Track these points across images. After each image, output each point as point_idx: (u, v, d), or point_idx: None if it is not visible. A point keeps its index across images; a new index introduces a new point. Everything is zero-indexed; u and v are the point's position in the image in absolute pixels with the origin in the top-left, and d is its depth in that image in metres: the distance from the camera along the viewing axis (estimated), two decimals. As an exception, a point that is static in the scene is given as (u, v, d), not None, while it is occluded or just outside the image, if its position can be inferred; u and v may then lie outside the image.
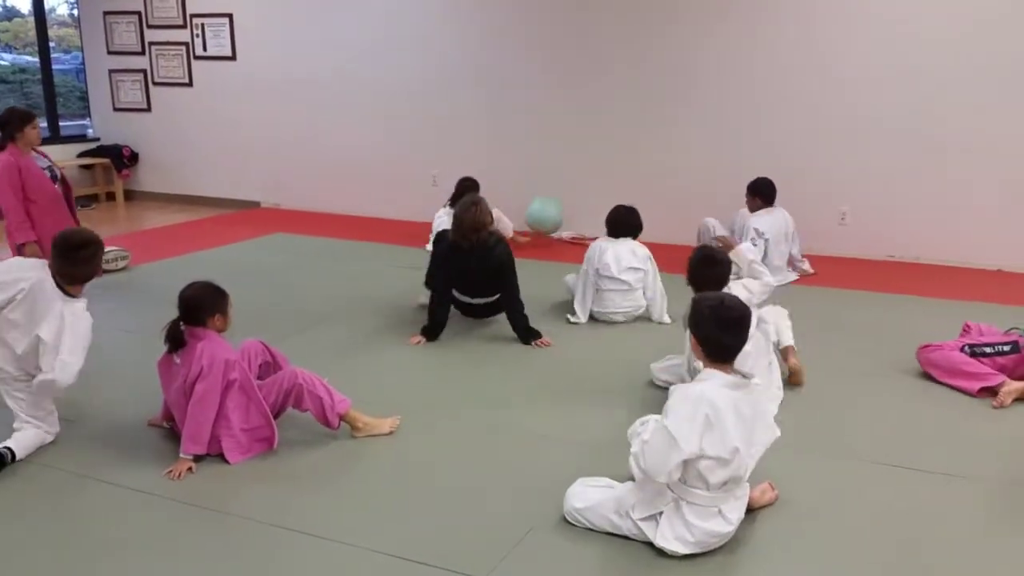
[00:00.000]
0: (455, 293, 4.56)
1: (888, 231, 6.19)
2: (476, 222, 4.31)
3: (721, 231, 5.77)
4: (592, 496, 2.64)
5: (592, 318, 4.78)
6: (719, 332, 2.49)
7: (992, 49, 5.73)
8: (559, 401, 3.70)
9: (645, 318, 4.76)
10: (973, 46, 5.78)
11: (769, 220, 5.57)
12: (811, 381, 3.80)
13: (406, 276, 5.56)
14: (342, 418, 3.26)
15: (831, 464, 3.06)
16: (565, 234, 6.86)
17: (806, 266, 5.79)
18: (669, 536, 2.47)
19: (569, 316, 4.79)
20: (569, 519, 2.66)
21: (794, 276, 5.68)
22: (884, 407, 3.61)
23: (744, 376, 2.58)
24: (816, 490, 2.87)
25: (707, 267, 3.45)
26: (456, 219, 4.41)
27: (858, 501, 2.81)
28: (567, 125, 7.08)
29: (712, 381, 2.47)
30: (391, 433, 3.33)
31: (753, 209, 5.65)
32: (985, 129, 5.82)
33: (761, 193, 5.66)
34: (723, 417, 2.39)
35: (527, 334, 4.44)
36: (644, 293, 4.74)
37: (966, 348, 3.81)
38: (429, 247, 4.92)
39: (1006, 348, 3.75)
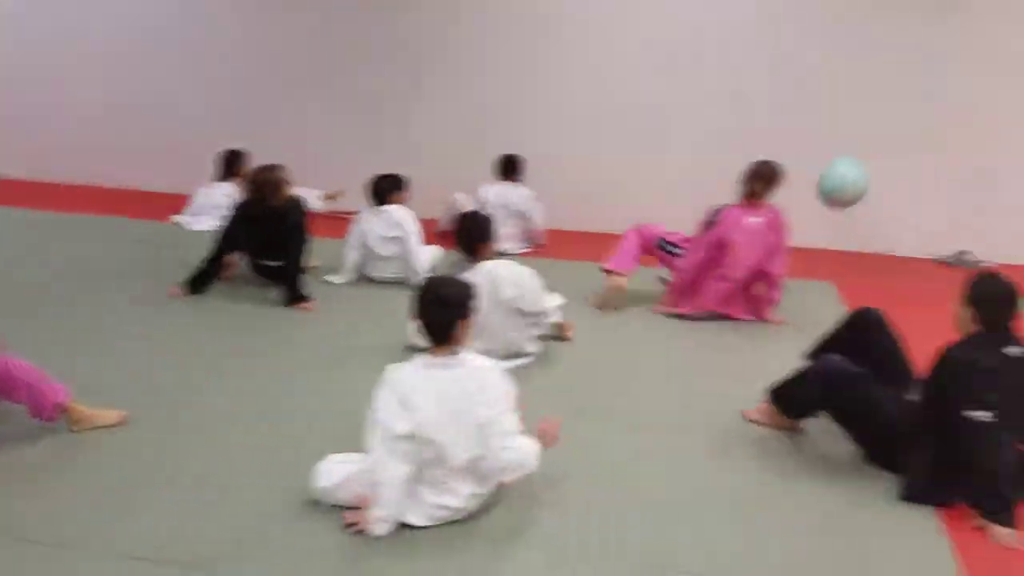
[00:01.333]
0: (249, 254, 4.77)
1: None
2: (270, 182, 4.51)
3: (471, 206, 5.92)
4: (339, 472, 2.59)
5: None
6: (424, 314, 2.55)
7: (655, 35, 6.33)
8: (317, 370, 3.66)
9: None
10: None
11: (498, 191, 5.87)
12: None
13: (141, 250, 5.28)
14: (60, 409, 2.96)
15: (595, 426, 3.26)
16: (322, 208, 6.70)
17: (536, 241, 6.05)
18: (404, 510, 2.50)
19: (328, 276, 4.98)
20: (317, 498, 2.60)
21: (524, 247, 5.94)
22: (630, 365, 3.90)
23: (457, 354, 2.57)
24: (584, 454, 3.02)
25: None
26: (253, 180, 4.58)
27: (598, 459, 3.02)
28: (324, 99, 6.93)
29: (411, 363, 2.56)
30: (119, 424, 3.07)
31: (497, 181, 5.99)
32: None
33: (502, 168, 5.99)
34: (414, 397, 2.46)
35: (291, 296, 4.49)
36: (408, 258, 4.92)
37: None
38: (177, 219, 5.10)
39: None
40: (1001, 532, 2.59)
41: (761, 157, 4.62)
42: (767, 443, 3.20)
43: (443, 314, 2.54)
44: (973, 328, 2.86)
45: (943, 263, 5.98)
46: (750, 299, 4.67)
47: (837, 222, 6.12)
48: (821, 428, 3.24)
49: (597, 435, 3.18)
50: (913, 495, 2.79)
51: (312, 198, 5.89)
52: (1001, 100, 5.87)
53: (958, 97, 5.91)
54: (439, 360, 2.54)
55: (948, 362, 2.80)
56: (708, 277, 4.60)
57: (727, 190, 4.63)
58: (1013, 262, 5.76)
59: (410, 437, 2.45)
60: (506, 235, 5.77)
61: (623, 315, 4.64)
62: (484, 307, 3.55)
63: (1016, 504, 2.68)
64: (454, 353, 2.56)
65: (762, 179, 4.53)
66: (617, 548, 2.49)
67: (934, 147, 5.96)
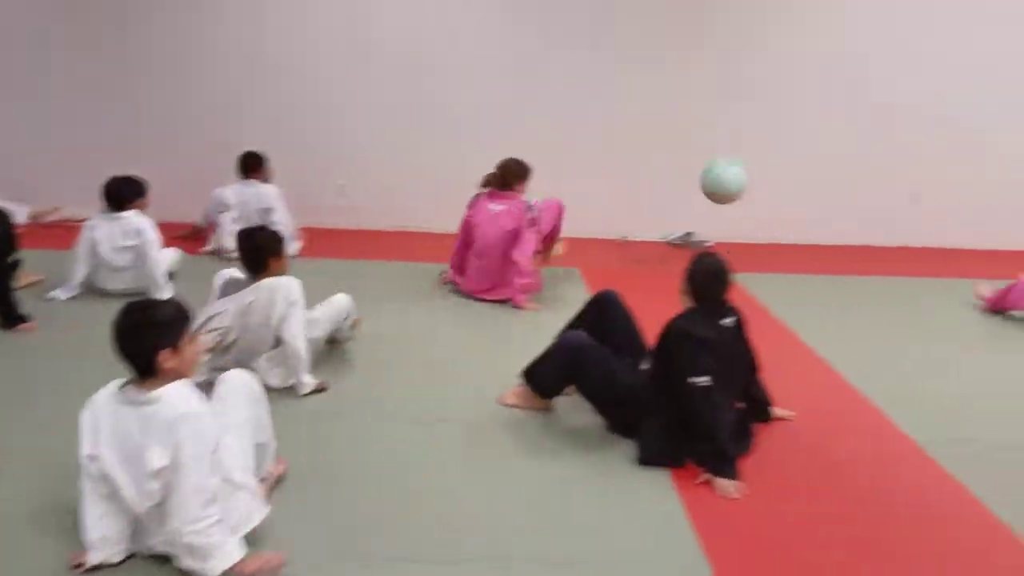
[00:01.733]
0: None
1: (384, 203, 6.64)
2: None
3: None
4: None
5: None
6: (118, 344, 2.28)
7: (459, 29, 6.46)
8: (26, 398, 3.27)
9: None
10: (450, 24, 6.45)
11: (237, 191, 5.66)
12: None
13: None
14: None
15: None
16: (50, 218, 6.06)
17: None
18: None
19: (51, 292, 4.55)
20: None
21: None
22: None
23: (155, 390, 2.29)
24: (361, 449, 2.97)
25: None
26: None
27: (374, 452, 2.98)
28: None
29: (108, 389, 2.33)
30: None
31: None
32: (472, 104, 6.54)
33: (242, 166, 5.74)
34: (101, 429, 2.28)
35: (5, 317, 4.09)
36: (146, 268, 4.56)
37: None
38: None
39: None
40: (724, 484, 2.86)
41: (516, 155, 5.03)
42: (521, 424, 3.33)
43: (139, 344, 2.25)
44: (692, 303, 3.16)
45: (674, 244, 6.53)
46: (506, 284, 4.89)
47: (578, 213, 6.52)
48: (571, 405, 3.43)
49: (364, 429, 3.16)
50: (648, 458, 3.02)
51: (20, 214, 5.26)
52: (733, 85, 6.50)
53: (693, 92, 6.47)
54: (131, 395, 2.27)
55: (671, 334, 3.07)
56: (466, 257, 5.06)
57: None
58: (732, 240, 6.45)
59: (93, 465, 2.28)
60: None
61: (403, 303, 4.72)
62: (253, 326, 3.45)
63: (737, 458, 2.98)
64: (150, 389, 2.25)
65: (507, 172, 4.97)
66: (365, 543, 2.49)
67: (664, 142, 6.48)
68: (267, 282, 3.50)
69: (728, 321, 3.15)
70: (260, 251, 3.56)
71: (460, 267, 5.11)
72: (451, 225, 5.13)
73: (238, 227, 5.27)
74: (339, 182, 6.61)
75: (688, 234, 6.56)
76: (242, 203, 5.62)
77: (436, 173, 6.56)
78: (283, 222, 5.53)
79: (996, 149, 6.48)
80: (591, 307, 3.59)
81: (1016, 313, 4.88)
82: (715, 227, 6.50)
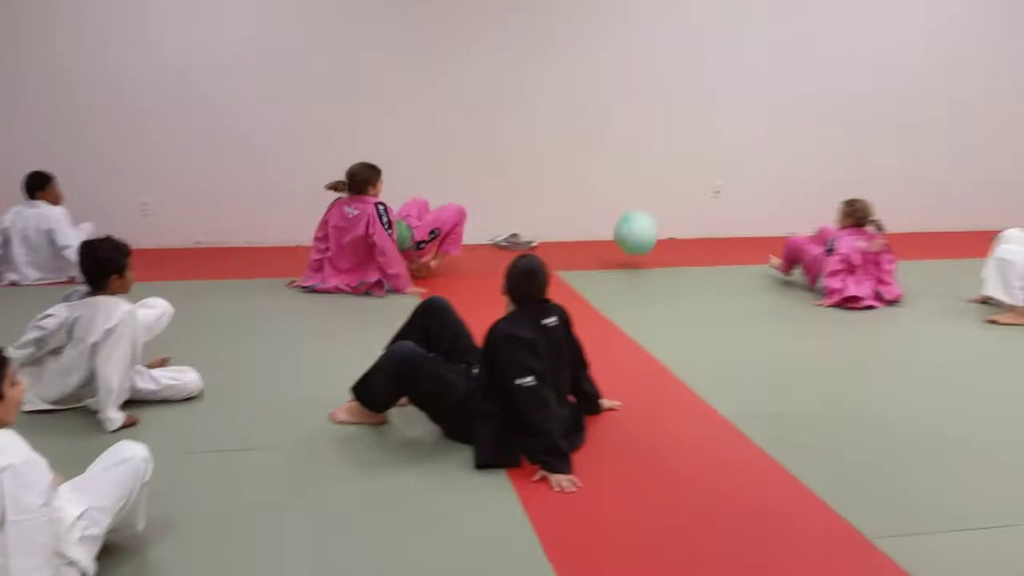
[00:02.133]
0: None
1: (193, 218, 6.31)
2: None
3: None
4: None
5: None
6: None
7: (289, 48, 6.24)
8: None
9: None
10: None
11: (16, 213, 5.28)
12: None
13: None
14: None
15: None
16: None
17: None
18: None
19: None
20: None
21: (55, 277, 5.26)
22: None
23: None
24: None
25: None
26: None
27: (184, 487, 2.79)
28: None
29: None
30: None
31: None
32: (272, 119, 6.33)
33: (26, 186, 5.34)
34: None
35: None
36: None
37: None
38: None
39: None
40: (559, 479, 2.92)
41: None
42: (353, 440, 3.26)
43: None
44: (513, 304, 3.21)
45: (501, 247, 6.63)
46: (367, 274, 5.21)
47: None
48: (406, 415, 3.39)
49: (184, 463, 2.96)
50: (483, 462, 3.03)
51: None
52: (528, 93, 6.65)
53: (495, 93, 6.57)
54: None
55: (493, 338, 3.10)
56: (326, 256, 5.31)
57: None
58: (556, 239, 6.64)
59: None
60: (30, 262, 5.26)
61: (225, 323, 4.45)
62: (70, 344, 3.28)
63: (571, 452, 3.05)
64: None
65: (354, 178, 5.25)
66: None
67: (485, 144, 6.57)
68: (95, 300, 3.31)
69: (551, 320, 3.21)
70: (100, 266, 3.33)
71: (319, 266, 5.31)
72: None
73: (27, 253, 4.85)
74: (142, 200, 6.22)
75: (514, 235, 6.68)
76: (21, 227, 5.20)
77: (241, 186, 6.33)
78: (68, 245, 5.11)
79: (797, 143, 7.04)
80: (420, 315, 3.56)
81: (802, 282, 5.41)
82: (539, 227, 6.67)
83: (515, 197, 6.67)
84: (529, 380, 2.99)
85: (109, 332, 3.25)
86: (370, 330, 3.97)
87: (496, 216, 6.64)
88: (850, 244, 5.18)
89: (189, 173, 6.26)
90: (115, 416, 3.27)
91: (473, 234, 6.53)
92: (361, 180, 5.18)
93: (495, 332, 3.10)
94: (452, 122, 6.50)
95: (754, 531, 2.69)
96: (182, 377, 3.58)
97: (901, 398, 3.77)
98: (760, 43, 6.78)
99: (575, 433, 3.23)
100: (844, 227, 5.30)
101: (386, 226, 5.13)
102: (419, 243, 5.56)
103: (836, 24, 6.86)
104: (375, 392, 3.31)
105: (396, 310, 4.25)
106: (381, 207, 5.15)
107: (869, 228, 5.25)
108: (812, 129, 6.99)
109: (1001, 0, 7.08)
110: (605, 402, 3.53)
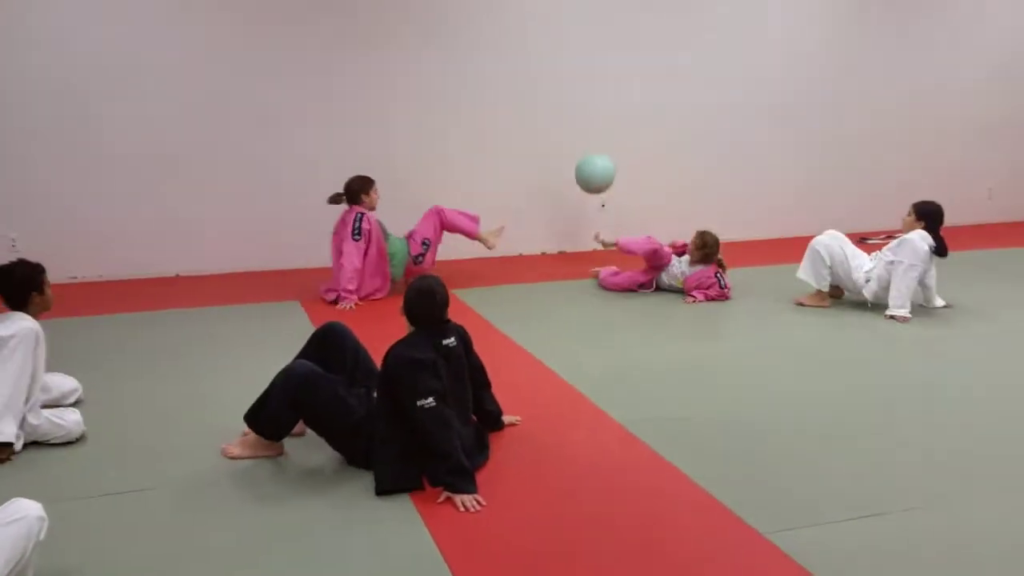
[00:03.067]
0: None
1: (64, 253, 5.98)
2: None
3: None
4: None
5: None
6: None
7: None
8: None
9: None
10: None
11: None
12: None
13: None
14: None
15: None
16: None
17: None
18: None
19: None
20: None
21: None
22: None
23: None
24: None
25: None
26: None
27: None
28: None
29: None
30: None
31: None
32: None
33: None
34: None
35: None
36: None
37: None
38: None
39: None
40: (464, 499, 2.91)
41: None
42: (250, 474, 3.16)
43: None
44: (413, 326, 3.20)
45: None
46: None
47: (295, 242, 6.37)
48: (303, 444, 3.31)
49: (84, 509, 2.78)
50: (385, 487, 2.99)
51: None
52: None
53: (365, 108, 6.54)
54: None
55: (391, 361, 3.07)
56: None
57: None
58: (454, 258, 6.63)
59: None
60: None
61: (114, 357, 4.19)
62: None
63: (475, 471, 3.04)
64: None
65: (348, 189, 5.57)
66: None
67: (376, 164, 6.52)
68: (7, 313, 3.31)
69: (450, 341, 3.20)
70: (20, 286, 3.37)
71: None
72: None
73: None
74: (10, 235, 5.87)
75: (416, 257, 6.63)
76: None
77: (117, 217, 6.10)
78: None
79: (684, 155, 7.28)
80: (316, 341, 3.48)
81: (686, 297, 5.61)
82: (442, 247, 6.67)
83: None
84: (430, 401, 2.96)
85: (4, 340, 3.20)
86: (265, 358, 3.87)
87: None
88: (696, 279, 5.67)
89: (59, 205, 5.96)
90: (5, 429, 3.17)
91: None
92: (352, 191, 5.55)
93: (393, 355, 3.07)
94: (348, 136, 6.43)
95: (652, 532, 2.76)
96: (66, 417, 3.40)
97: (769, 394, 3.96)
98: (649, 58, 7.00)
99: (479, 453, 3.23)
100: (693, 261, 5.70)
101: (354, 234, 5.43)
102: (415, 257, 5.74)
103: (722, 40, 7.17)
104: (270, 418, 3.21)
105: (293, 334, 4.18)
106: (358, 215, 5.46)
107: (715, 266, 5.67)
108: (701, 142, 7.27)
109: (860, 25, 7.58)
110: (507, 418, 3.55)
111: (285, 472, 3.19)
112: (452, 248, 6.67)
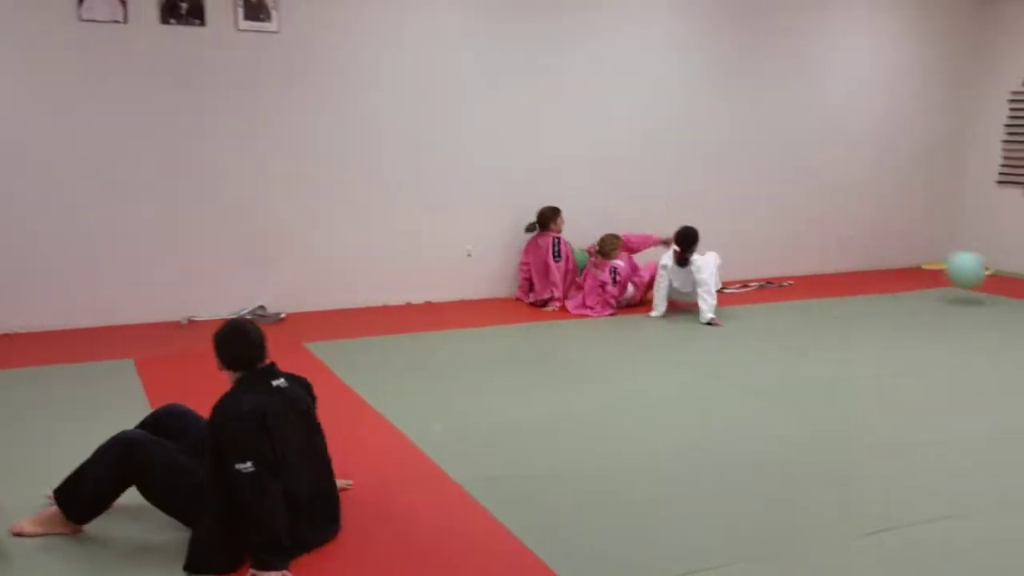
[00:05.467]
0: None
1: None
2: None
3: None
4: None
5: None
6: None
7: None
8: None
9: None
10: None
11: None
12: None
13: None
14: None
15: None
16: None
17: None
18: None
19: None
20: None
21: None
22: None
23: None
24: None
25: None
26: None
27: None
28: None
29: None
30: None
31: None
32: None
33: None
34: None
35: None
36: None
37: None
38: None
39: None
40: (272, 577, 2.70)
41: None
42: (45, 554, 2.86)
43: None
44: (235, 374, 2.98)
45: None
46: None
47: (129, 296, 6.01)
48: (104, 518, 3.04)
49: None
50: (194, 564, 2.76)
51: None
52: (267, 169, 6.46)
53: (232, 159, 6.31)
54: None
55: (214, 419, 2.84)
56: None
57: None
58: (303, 310, 6.43)
59: None
60: None
61: None
62: None
63: (320, 544, 2.87)
64: None
65: (542, 216, 7.02)
66: None
67: (224, 214, 6.27)
68: None
69: (280, 382, 2.99)
70: None
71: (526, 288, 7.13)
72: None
73: None
74: None
75: (260, 307, 6.39)
76: None
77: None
78: None
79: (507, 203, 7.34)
80: (150, 423, 3.23)
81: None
82: (287, 299, 6.44)
83: (259, 268, 6.41)
84: (248, 466, 2.74)
85: None
86: (89, 424, 3.57)
87: (240, 288, 6.33)
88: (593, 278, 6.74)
89: None
90: None
91: (214, 307, 6.20)
92: (546, 218, 6.97)
93: (216, 409, 2.85)
94: (185, 190, 6.15)
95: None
96: None
97: (609, 450, 3.94)
98: (509, 100, 7.05)
99: (326, 524, 3.01)
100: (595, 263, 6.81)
101: (555, 255, 6.89)
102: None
103: (583, 83, 7.31)
104: (87, 492, 2.93)
105: (118, 400, 3.89)
106: (555, 238, 6.93)
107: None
108: (564, 190, 7.34)
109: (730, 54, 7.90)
110: (339, 482, 3.37)
111: (85, 551, 2.91)
112: (305, 301, 6.48)
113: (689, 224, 6.61)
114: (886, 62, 8.56)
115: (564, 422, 4.29)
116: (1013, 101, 8.72)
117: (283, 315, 6.33)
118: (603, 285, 6.69)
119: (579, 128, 7.31)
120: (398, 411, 4.33)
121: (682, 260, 6.48)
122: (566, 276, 6.95)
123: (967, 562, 2.95)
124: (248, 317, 6.20)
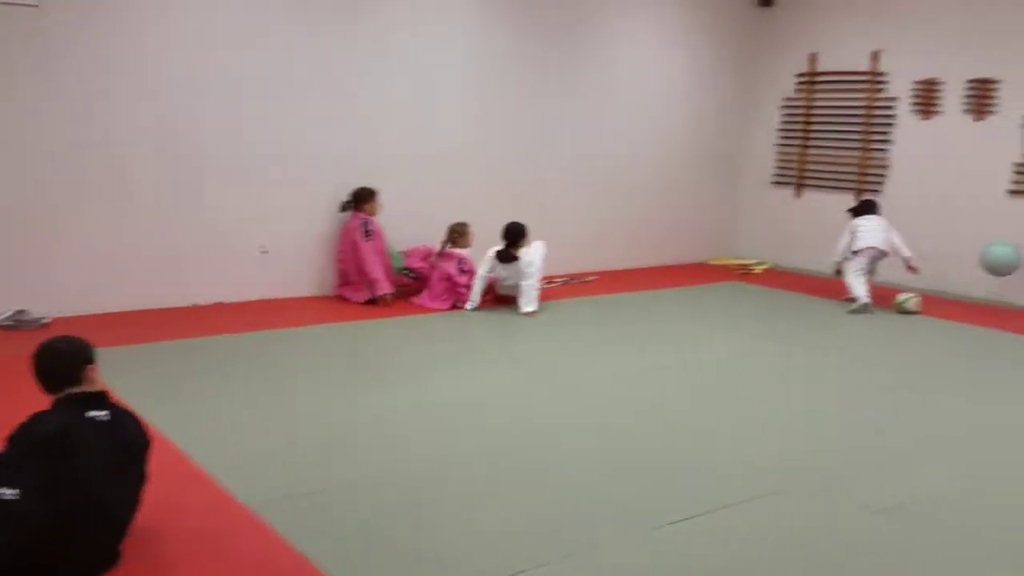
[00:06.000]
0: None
1: None
2: None
3: None
4: None
5: None
6: None
7: None
8: None
9: None
10: None
11: None
12: None
13: None
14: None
15: None
16: None
17: None
18: None
19: None
20: None
21: None
22: None
23: None
24: None
25: None
26: None
27: None
28: None
29: None
30: None
31: None
32: None
33: None
34: None
35: None
36: None
37: None
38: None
39: None
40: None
41: None
42: None
43: None
44: (51, 396, 2.69)
45: (5, 327, 5.52)
46: None
47: None
48: None
49: None
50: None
51: None
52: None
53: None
54: None
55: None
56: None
57: None
58: (73, 314, 5.76)
59: None
60: None
61: None
62: None
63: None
64: None
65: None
66: None
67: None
68: None
69: (102, 414, 2.67)
70: None
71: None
72: None
73: None
74: None
75: (20, 312, 5.64)
76: None
77: None
78: None
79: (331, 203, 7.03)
80: None
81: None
82: (54, 301, 5.74)
83: (20, 266, 5.66)
84: (9, 493, 2.43)
85: None
86: None
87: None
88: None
89: None
90: None
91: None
92: (360, 198, 6.70)
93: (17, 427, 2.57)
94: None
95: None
96: None
97: (413, 456, 3.81)
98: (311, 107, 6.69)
99: (102, 563, 2.66)
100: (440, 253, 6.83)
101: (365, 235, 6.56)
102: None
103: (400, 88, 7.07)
104: None
105: None
106: (365, 220, 6.62)
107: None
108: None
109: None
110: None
111: None
112: (75, 304, 5.81)
113: (515, 220, 6.70)
114: (672, 73, 9.02)
115: (363, 430, 4.08)
116: (785, 108, 9.48)
117: (47, 320, 5.63)
118: (449, 278, 6.60)
119: (389, 124, 7.10)
120: (181, 427, 3.93)
121: (507, 256, 6.50)
122: (380, 258, 6.59)
123: (765, 545, 3.05)
124: (7, 323, 5.51)
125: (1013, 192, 7.77)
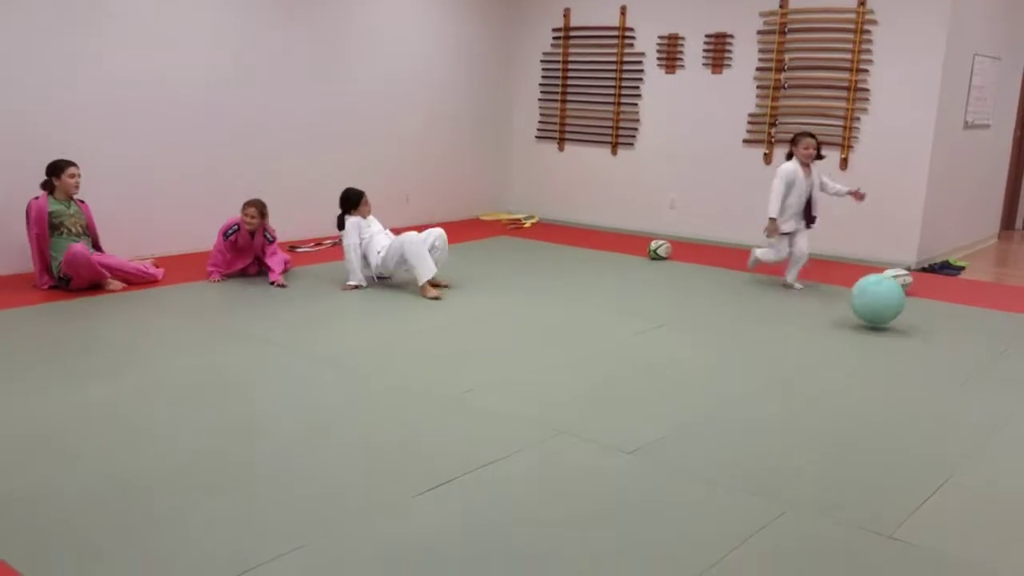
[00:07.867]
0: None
1: None
2: None
3: None
4: None
5: None
6: None
7: None
8: None
9: None
10: None
11: None
12: None
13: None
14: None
15: None
16: None
17: None
18: None
19: None
20: None
21: None
22: None
23: None
24: None
25: None
26: None
27: None
28: None
29: None
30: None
31: None
32: None
33: None
34: None
35: None
36: None
37: None
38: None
39: None
40: None
41: None
42: None
43: None
44: None
45: None
46: None
47: None
48: None
49: None
50: None
51: None
52: None
53: None
54: None
55: None
56: None
57: None
58: None
59: None
60: None
61: None
62: None
63: None
64: None
65: None
66: None
67: None
68: None
69: None
70: None
71: None
72: None
73: None
74: None
75: None
76: None
77: None
78: None
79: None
80: None
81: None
82: None
83: None
84: None
85: None
86: None
87: None
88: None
89: None
90: None
91: None
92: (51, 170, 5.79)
93: None
94: None
95: None
96: None
97: (140, 449, 3.49)
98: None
99: None
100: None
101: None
102: None
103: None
104: None
105: None
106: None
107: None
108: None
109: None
110: None
111: None
112: None
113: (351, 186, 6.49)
114: (438, 29, 8.88)
115: (81, 422, 3.66)
116: (544, 63, 9.63)
117: None
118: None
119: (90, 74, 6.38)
120: None
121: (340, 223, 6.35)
122: (36, 238, 5.69)
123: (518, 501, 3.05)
124: None
125: (747, 141, 8.41)
